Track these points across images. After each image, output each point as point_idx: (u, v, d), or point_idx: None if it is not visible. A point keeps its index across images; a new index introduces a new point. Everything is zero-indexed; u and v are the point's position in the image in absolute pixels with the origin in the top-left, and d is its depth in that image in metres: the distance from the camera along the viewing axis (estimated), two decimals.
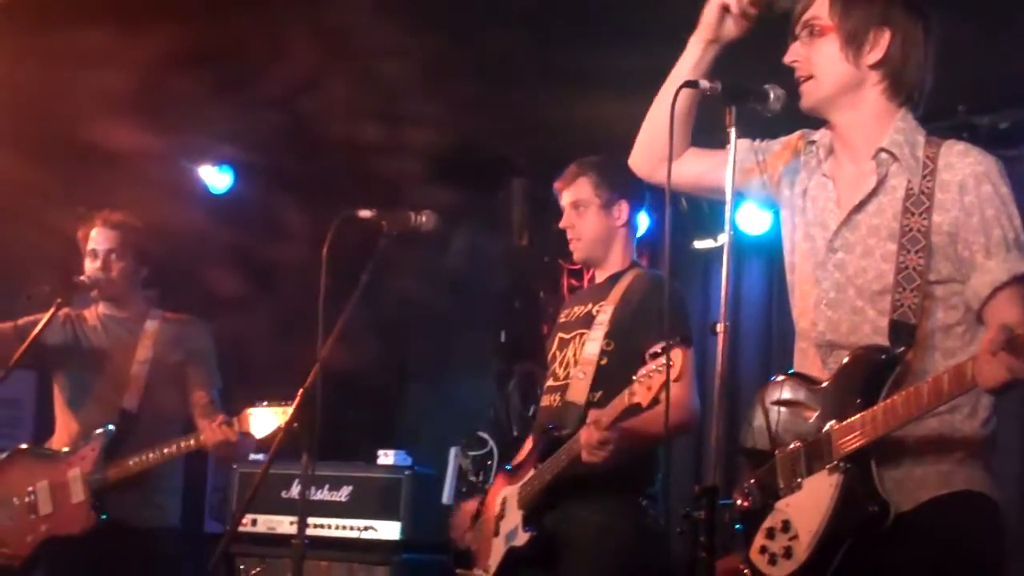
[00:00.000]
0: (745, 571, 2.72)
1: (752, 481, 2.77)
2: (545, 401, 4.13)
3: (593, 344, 4.00)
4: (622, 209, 4.12)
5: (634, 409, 3.59)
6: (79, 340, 4.72)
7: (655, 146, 3.06)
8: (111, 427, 4.52)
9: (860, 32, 2.76)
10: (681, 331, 3.82)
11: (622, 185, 4.09)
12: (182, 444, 4.43)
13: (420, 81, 5.91)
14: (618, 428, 3.64)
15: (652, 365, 3.53)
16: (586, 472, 3.78)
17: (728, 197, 2.67)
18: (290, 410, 4.17)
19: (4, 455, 4.72)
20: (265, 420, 4.30)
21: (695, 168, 3.04)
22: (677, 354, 3.48)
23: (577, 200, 4.13)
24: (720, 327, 2.60)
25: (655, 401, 3.52)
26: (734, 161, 2.67)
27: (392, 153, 6.11)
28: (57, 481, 4.51)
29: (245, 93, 5.73)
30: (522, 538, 3.95)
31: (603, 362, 3.96)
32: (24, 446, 4.77)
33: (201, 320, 4.86)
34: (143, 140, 5.76)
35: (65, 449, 4.59)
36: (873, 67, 2.77)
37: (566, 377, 4.04)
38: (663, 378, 3.46)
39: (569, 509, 3.91)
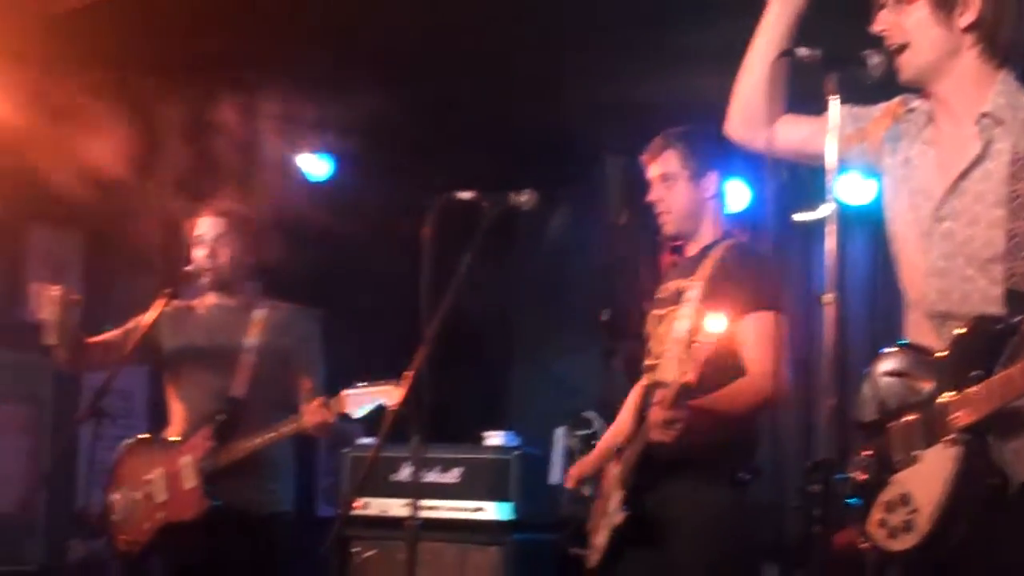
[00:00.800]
0: (863, 545, 2.69)
1: (868, 454, 2.74)
2: (644, 380, 4.11)
3: (683, 323, 3.96)
4: (711, 180, 4.07)
5: (689, 388, 3.56)
6: (188, 331, 4.78)
7: (748, 110, 3.02)
8: (221, 414, 4.59)
9: None
10: (765, 299, 3.78)
11: (711, 156, 4.05)
12: (284, 428, 4.47)
13: (516, 61, 5.91)
14: (686, 407, 3.61)
15: (701, 341, 3.51)
16: (680, 448, 3.78)
17: (833, 167, 2.63)
18: (386, 389, 4.24)
19: (125, 446, 4.81)
20: (360, 400, 4.32)
21: (794, 134, 2.99)
22: (715, 330, 3.47)
23: (665, 173, 4.09)
24: (828, 298, 2.56)
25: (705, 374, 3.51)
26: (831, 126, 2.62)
27: (488, 134, 6.13)
28: (171, 469, 4.59)
29: (345, 79, 5.77)
30: (618, 517, 3.94)
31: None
32: (142, 436, 4.86)
33: (308, 308, 4.90)
34: (246, 130, 5.83)
35: (180, 437, 4.67)
36: (967, 30, 2.70)
37: (660, 354, 4.02)
38: (703, 354, 3.46)
39: (667, 487, 3.89)
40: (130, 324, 4.74)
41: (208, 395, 4.66)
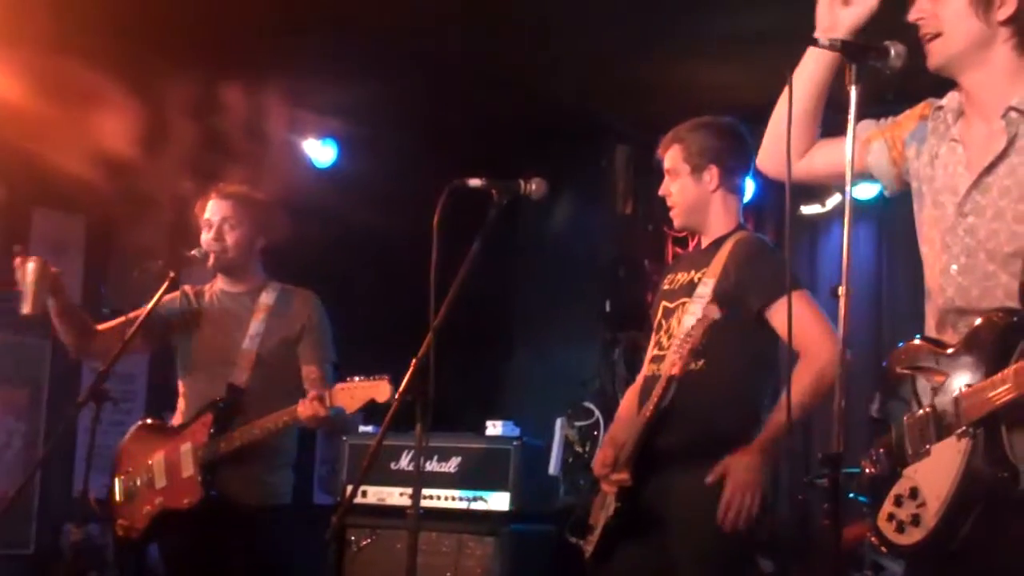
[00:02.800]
0: (872, 538, 2.67)
1: (880, 448, 2.72)
2: (647, 370, 4.09)
3: (691, 318, 3.94)
4: (712, 174, 4.05)
5: (673, 380, 3.67)
6: (195, 315, 4.74)
7: (781, 145, 2.96)
8: (221, 402, 4.56)
9: None
10: (785, 282, 3.74)
11: (710, 150, 4.04)
12: (280, 419, 4.42)
13: (522, 47, 5.89)
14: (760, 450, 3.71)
15: (686, 335, 3.59)
16: (682, 440, 3.77)
17: (848, 159, 2.61)
18: (378, 385, 4.21)
19: (131, 429, 4.79)
20: (353, 395, 4.28)
21: (825, 159, 2.98)
22: (696, 323, 3.57)
23: (670, 168, 4.11)
24: (842, 290, 2.55)
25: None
26: (854, 138, 2.60)
27: (495, 122, 6.11)
28: (171, 455, 4.56)
29: (349, 65, 5.76)
30: (611, 509, 3.94)
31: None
32: (148, 421, 4.83)
33: (315, 294, 4.87)
34: (253, 115, 5.81)
35: (182, 424, 4.64)
36: (1004, 23, 2.68)
37: (669, 347, 4.00)
38: (689, 346, 3.59)
39: (667, 479, 3.87)
40: (133, 314, 4.70)
41: (211, 382, 4.63)
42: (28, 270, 4.42)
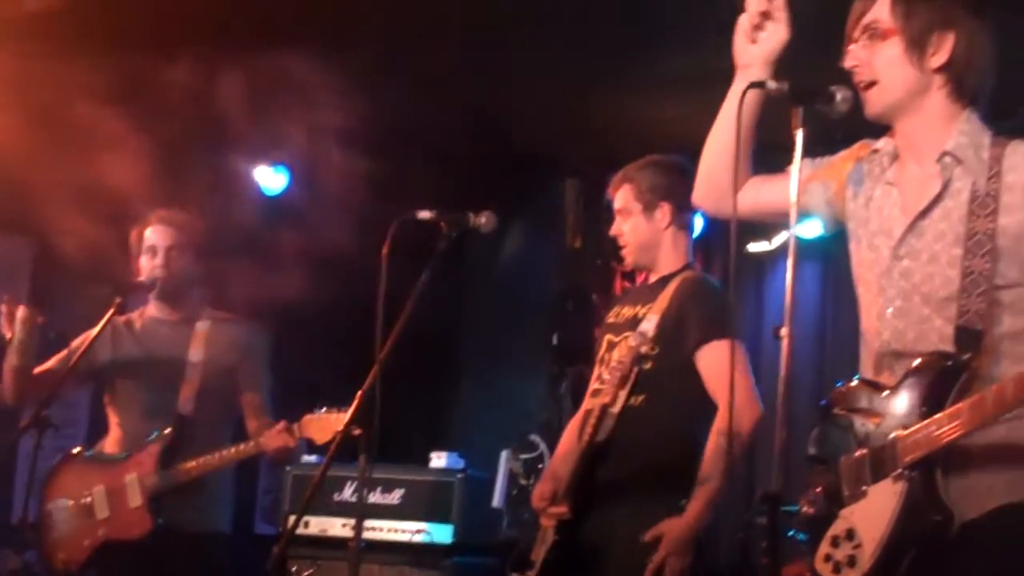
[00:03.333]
0: None
1: (817, 488, 2.75)
2: (588, 404, 4.11)
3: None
4: (664, 211, 4.09)
5: (606, 408, 3.84)
6: (126, 344, 4.70)
7: (714, 179, 3.01)
8: (168, 431, 4.52)
9: (924, 35, 2.70)
10: (718, 329, 3.81)
11: (661, 188, 4.09)
12: (242, 448, 4.42)
13: (474, 82, 5.91)
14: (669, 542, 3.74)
15: (614, 363, 3.79)
16: (624, 475, 3.80)
17: (793, 199, 2.64)
18: (347, 415, 4.20)
19: (57, 460, 4.72)
20: (324, 426, 4.28)
21: (760, 197, 2.99)
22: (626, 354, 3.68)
23: (621, 207, 4.15)
24: (784, 331, 2.57)
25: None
26: (797, 180, 2.62)
27: (444, 154, 6.12)
28: (114, 485, 4.51)
29: (301, 94, 5.75)
30: (548, 542, 3.95)
31: (646, 366, 3.94)
32: (77, 450, 4.78)
33: (253, 320, 4.85)
34: (199, 142, 5.79)
35: (122, 454, 4.58)
36: (938, 71, 2.72)
37: (606, 381, 4.03)
38: (618, 373, 3.82)
39: (607, 513, 3.91)
40: (75, 342, 4.65)
41: (147, 411, 4.59)
42: (16, 318, 4.39)
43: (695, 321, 3.90)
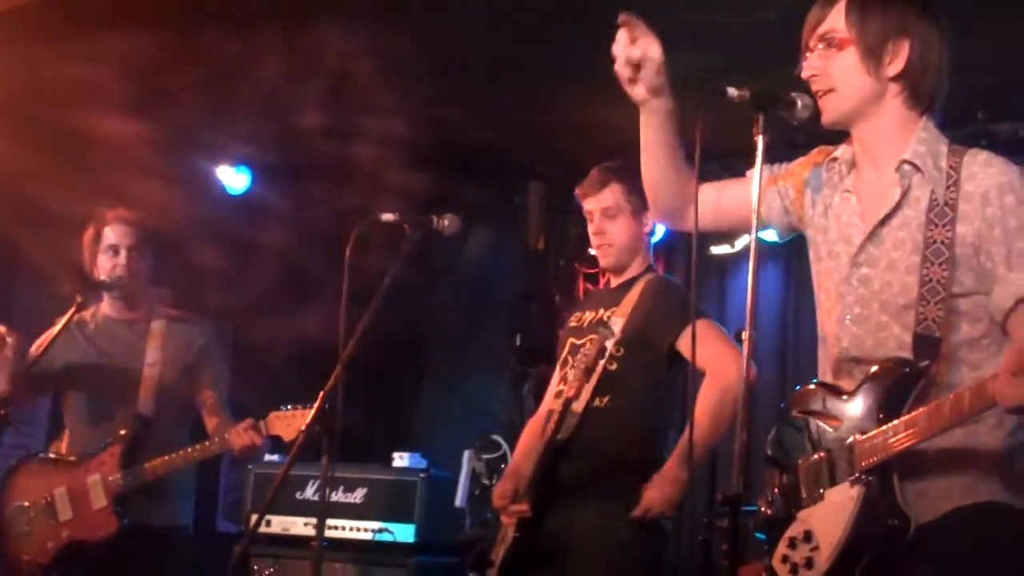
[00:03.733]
0: None
1: (775, 490, 2.77)
2: (554, 405, 4.12)
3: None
4: (648, 217, 4.11)
5: (569, 401, 3.84)
6: (80, 345, 4.66)
7: (656, 198, 3.04)
8: (126, 432, 4.50)
9: (879, 44, 2.72)
10: (691, 312, 3.82)
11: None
12: (206, 446, 4.40)
13: (437, 83, 5.91)
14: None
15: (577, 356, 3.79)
16: (585, 473, 3.81)
17: (755, 204, 2.66)
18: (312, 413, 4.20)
19: (13, 464, 4.69)
20: (290, 423, 4.28)
21: (720, 205, 3.01)
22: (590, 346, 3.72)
23: (608, 207, 4.12)
24: (746, 334, 2.60)
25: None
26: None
27: (408, 155, 6.12)
28: (76, 487, 4.48)
29: (263, 93, 5.75)
30: (508, 540, 3.96)
31: (612, 367, 3.96)
32: (34, 453, 4.75)
33: (208, 318, 4.84)
34: (159, 140, 5.76)
35: (82, 454, 4.55)
36: (893, 79, 2.74)
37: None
38: (583, 365, 3.80)
39: (570, 510, 3.92)
40: (32, 349, 4.62)
41: (110, 412, 4.57)
42: (8, 345, 4.39)
43: (667, 316, 3.91)
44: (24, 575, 4.52)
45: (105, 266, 4.62)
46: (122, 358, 4.62)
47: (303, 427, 4.13)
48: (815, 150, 2.97)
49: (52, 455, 4.67)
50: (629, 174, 4.13)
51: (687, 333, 3.86)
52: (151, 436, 4.50)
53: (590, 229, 4.17)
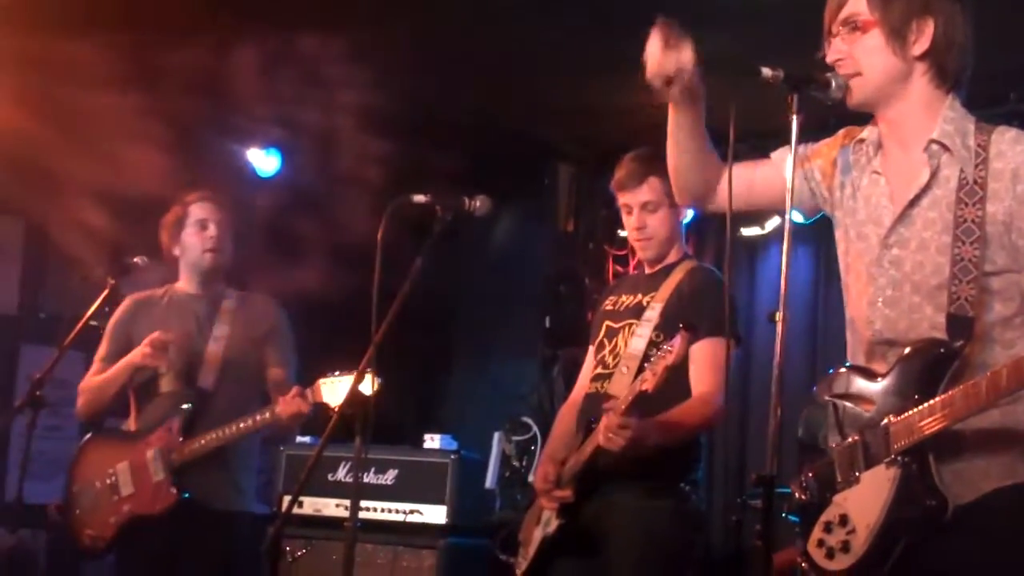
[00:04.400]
0: (803, 564, 2.71)
1: (810, 474, 2.77)
2: (591, 388, 4.13)
3: (639, 340, 4.00)
4: (685, 208, 4.11)
5: (645, 396, 3.59)
6: (155, 320, 4.69)
7: (687, 186, 3.03)
8: (188, 405, 4.52)
9: (904, 24, 2.71)
10: (720, 325, 3.82)
11: None
12: (257, 418, 4.39)
13: (467, 68, 5.91)
14: (638, 417, 3.66)
15: (660, 352, 3.56)
16: (625, 459, 3.79)
17: (789, 184, 2.65)
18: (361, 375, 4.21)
19: (83, 441, 4.75)
20: (337, 389, 4.27)
21: (752, 187, 3.01)
22: (677, 341, 3.51)
23: (648, 201, 4.09)
24: (779, 316, 2.59)
25: (662, 384, 3.56)
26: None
27: (439, 138, 6.12)
28: (136, 461, 4.52)
29: (294, 76, 5.75)
30: (553, 525, 3.97)
31: (652, 353, 3.94)
32: (104, 429, 4.79)
33: (274, 299, 4.86)
34: (193, 123, 5.78)
35: (143, 429, 4.58)
36: (919, 58, 2.73)
37: (614, 366, 4.05)
38: (664, 363, 3.50)
39: (609, 495, 3.92)
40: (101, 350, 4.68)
41: (175, 386, 4.60)
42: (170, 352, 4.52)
43: (703, 316, 3.88)
44: (88, 552, 4.56)
45: (193, 241, 4.67)
46: (190, 333, 4.66)
47: (350, 389, 4.16)
48: (842, 131, 2.96)
49: (117, 431, 4.70)
50: (664, 165, 4.12)
51: (705, 344, 3.86)
52: (211, 410, 4.52)
53: (629, 222, 4.15)
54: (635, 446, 3.66)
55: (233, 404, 4.52)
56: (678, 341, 3.51)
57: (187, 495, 4.43)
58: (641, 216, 4.12)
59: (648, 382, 3.55)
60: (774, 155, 3.01)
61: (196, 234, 4.66)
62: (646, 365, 3.61)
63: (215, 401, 4.55)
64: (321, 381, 4.33)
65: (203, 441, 4.43)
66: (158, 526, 4.43)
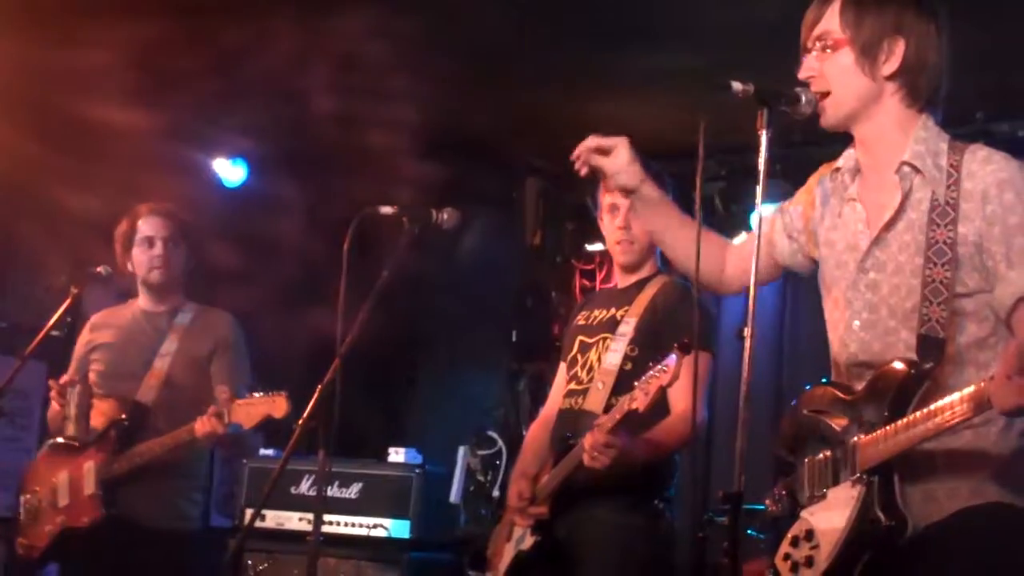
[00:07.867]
0: None
1: (783, 488, 2.77)
2: (565, 404, 4.12)
3: (614, 354, 3.99)
4: None
5: (634, 415, 3.57)
6: (111, 334, 4.70)
7: (701, 277, 2.97)
8: (122, 418, 4.49)
9: (875, 43, 2.71)
10: (704, 342, 3.82)
11: None
12: (175, 434, 4.36)
13: (433, 78, 5.90)
14: (625, 435, 3.64)
15: (652, 371, 3.52)
16: (602, 475, 3.77)
17: (758, 202, 2.65)
18: (274, 400, 4.17)
19: (43, 448, 4.73)
20: (250, 412, 4.24)
21: (739, 266, 3.08)
22: (673, 361, 3.47)
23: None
24: (747, 332, 2.59)
25: (653, 404, 3.53)
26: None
27: (405, 150, 6.11)
28: (75, 473, 4.50)
29: (261, 87, 5.73)
30: (528, 542, 3.95)
31: (627, 367, 3.93)
32: (60, 440, 4.74)
33: (231, 314, 4.82)
34: (158, 133, 5.74)
35: (85, 441, 4.55)
36: (889, 78, 2.73)
37: (588, 381, 4.03)
38: (659, 383, 3.47)
39: (584, 511, 3.91)
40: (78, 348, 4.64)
41: (119, 400, 4.57)
42: (73, 395, 4.44)
43: (680, 331, 3.86)
44: (21, 561, 4.53)
45: (140, 259, 4.65)
46: (140, 349, 4.63)
47: (265, 414, 4.14)
48: (816, 172, 2.98)
49: (67, 442, 4.66)
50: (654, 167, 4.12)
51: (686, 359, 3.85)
52: (148, 425, 4.48)
53: (613, 223, 4.13)
54: (618, 465, 3.65)
55: (174, 420, 4.46)
56: (674, 361, 3.47)
57: (113, 511, 4.39)
58: (627, 217, 4.10)
59: (639, 401, 3.52)
60: (747, 234, 3.02)
61: (144, 252, 4.65)
62: (636, 384, 3.56)
63: (153, 416, 4.51)
64: (237, 402, 4.29)
65: (132, 456, 4.40)
66: (93, 543, 4.38)
